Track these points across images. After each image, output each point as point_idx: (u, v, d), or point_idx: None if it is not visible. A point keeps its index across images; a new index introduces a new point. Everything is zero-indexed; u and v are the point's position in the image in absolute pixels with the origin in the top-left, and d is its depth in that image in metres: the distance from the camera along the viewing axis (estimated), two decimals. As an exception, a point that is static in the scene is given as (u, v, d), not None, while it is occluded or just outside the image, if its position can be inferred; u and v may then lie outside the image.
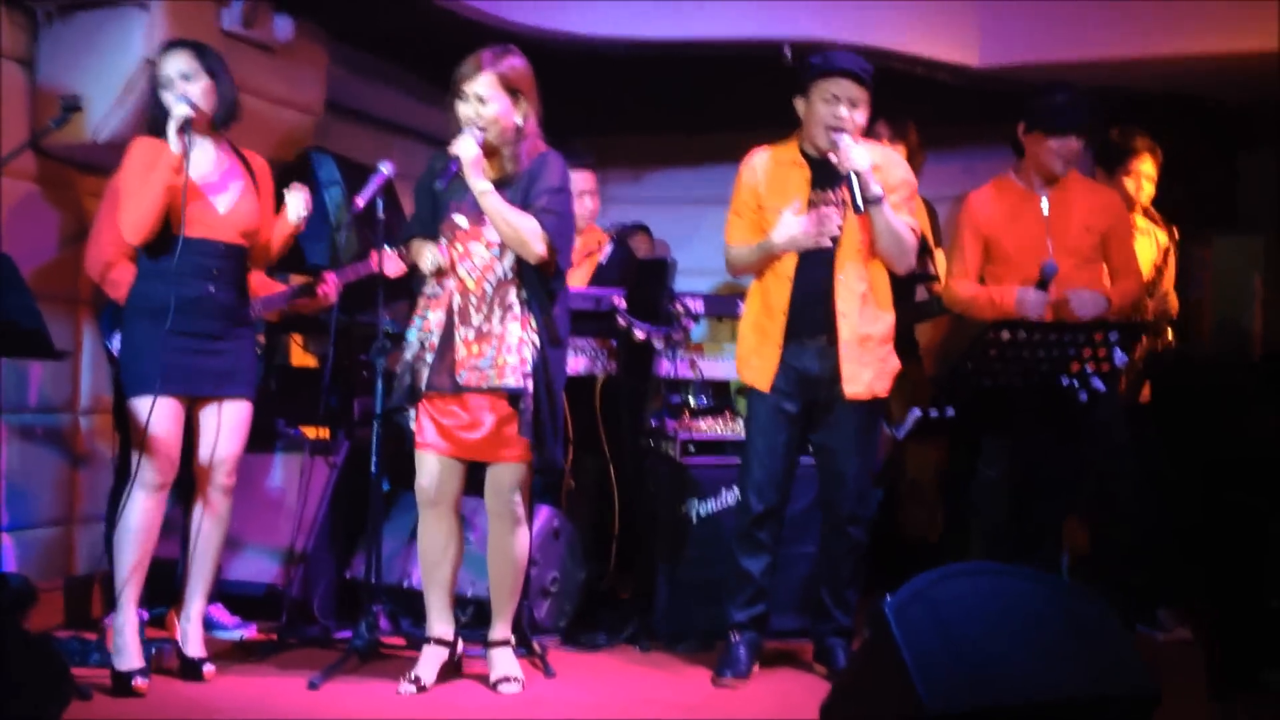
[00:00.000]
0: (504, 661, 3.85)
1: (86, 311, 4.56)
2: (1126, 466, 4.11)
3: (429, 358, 3.75)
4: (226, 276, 3.79)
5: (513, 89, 3.71)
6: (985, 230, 4.23)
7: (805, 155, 3.97)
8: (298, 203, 3.84)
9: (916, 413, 3.28)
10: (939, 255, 5.21)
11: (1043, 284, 3.95)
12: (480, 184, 3.65)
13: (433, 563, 3.87)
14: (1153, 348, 4.73)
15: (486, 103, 3.68)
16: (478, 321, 3.72)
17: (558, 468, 3.91)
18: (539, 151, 3.78)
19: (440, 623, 3.88)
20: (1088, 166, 4.69)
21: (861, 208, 3.74)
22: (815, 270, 3.90)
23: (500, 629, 3.89)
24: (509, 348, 3.69)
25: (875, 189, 3.79)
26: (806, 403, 3.97)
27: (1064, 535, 4.47)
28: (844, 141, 3.78)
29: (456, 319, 3.74)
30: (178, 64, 3.74)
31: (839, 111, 3.82)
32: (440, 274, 3.76)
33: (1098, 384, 3.35)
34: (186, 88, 3.72)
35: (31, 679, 2.85)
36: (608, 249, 5.06)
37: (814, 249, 3.87)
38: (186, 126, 3.64)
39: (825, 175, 3.92)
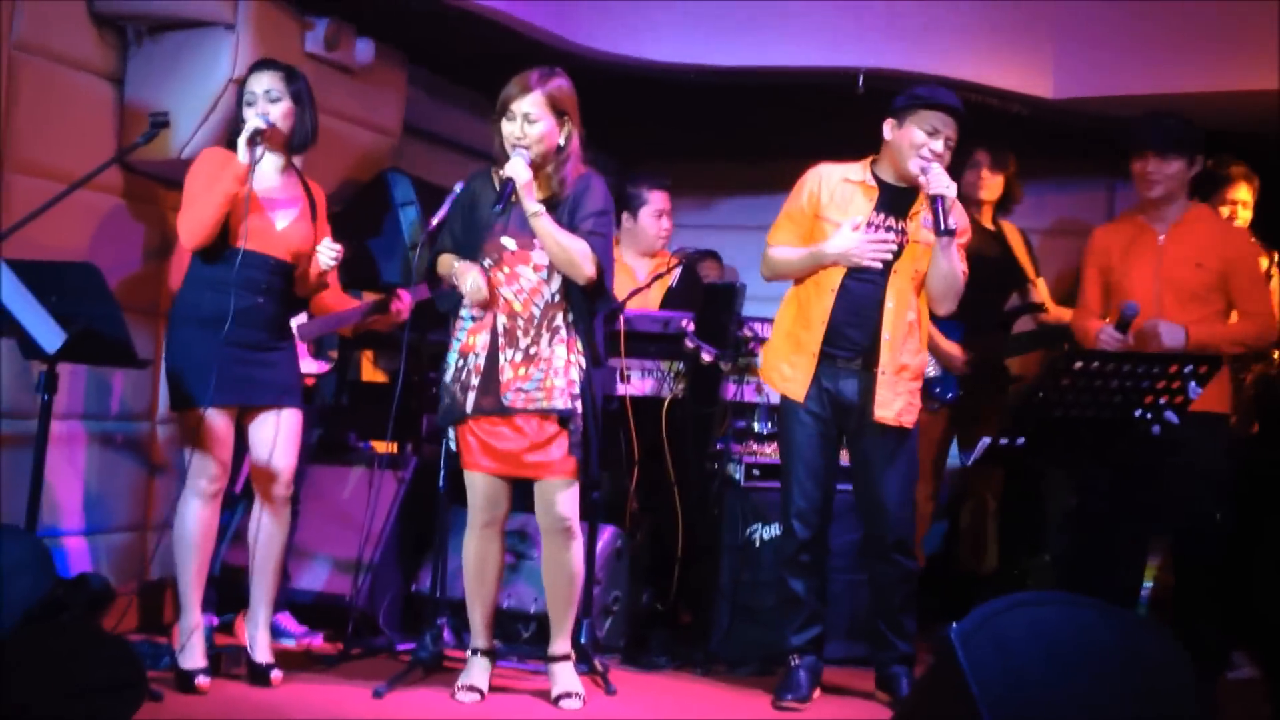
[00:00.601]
0: (565, 677, 3.88)
1: (166, 323, 4.65)
2: (1210, 504, 4.05)
3: (474, 380, 3.78)
4: (275, 291, 3.88)
5: (559, 110, 3.78)
6: (1103, 264, 4.22)
7: (877, 178, 4.01)
8: (327, 253, 3.88)
9: (986, 441, 3.27)
10: (1041, 284, 5.22)
11: (1122, 324, 3.91)
12: (533, 206, 3.71)
13: (479, 579, 3.92)
14: (1265, 376, 4.66)
15: (534, 122, 3.74)
16: (525, 344, 3.77)
17: (595, 480, 3.97)
18: (580, 173, 3.84)
19: (484, 636, 3.94)
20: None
21: (943, 228, 3.78)
22: (861, 290, 3.94)
23: (560, 644, 3.92)
24: (556, 371, 3.74)
25: (954, 221, 3.84)
26: (839, 428, 4.03)
27: (1149, 570, 4.42)
28: (935, 168, 3.83)
29: (502, 341, 3.78)
30: (264, 82, 3.85)
31: (937, 145, 3.88)
32: (480, 302, 3.80)
33: (1171, 417, 3.32)
34: (268, 107, 3.82)
35: (108, 677, 2.93)
36: (678, 273, 5.11)
37: (862, 269, 3.92)
38: (256, 138, 3.73)
39: (893, 201, 3.97)
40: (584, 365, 3.78)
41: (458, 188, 4.07)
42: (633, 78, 5.14)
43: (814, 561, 4.07)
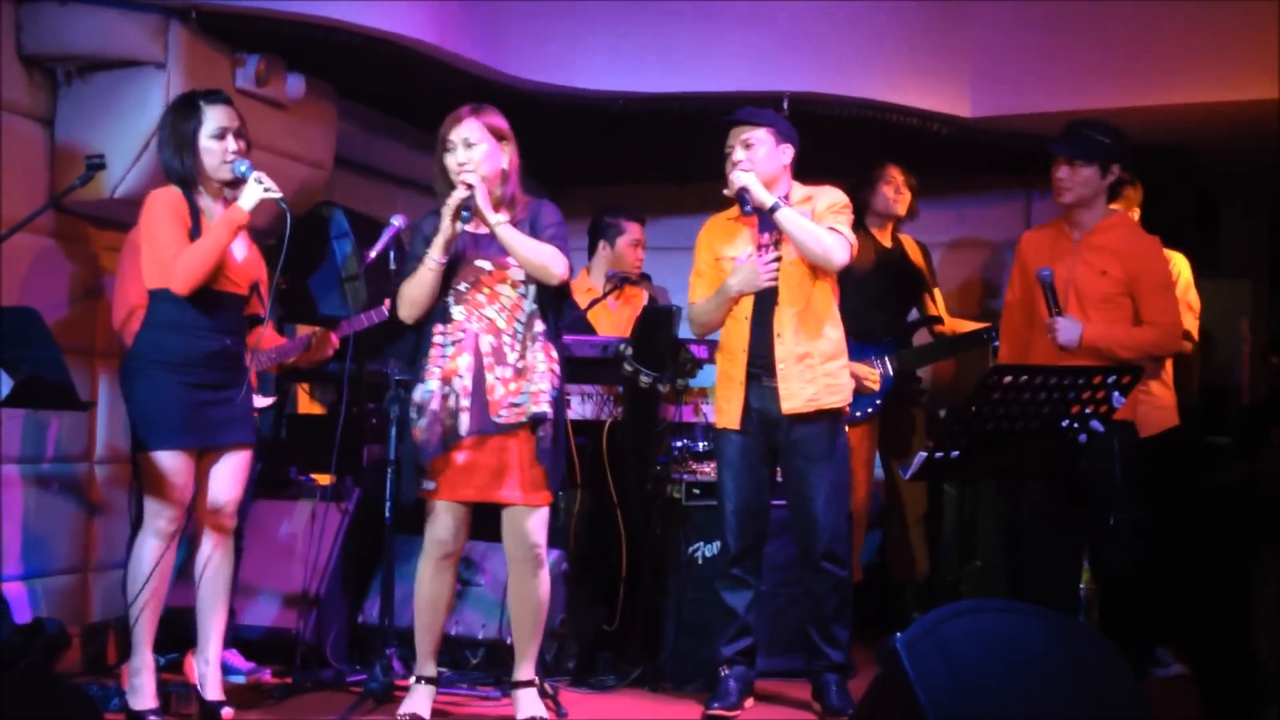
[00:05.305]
0: (530, 702, 3.90)
1: (102, 363, 4.63)
2: (1123, 506, 4.19)
3: (465, 402, 3.77)
4: (237, 327, 3.88)
5: (498, 134, 3.85)
6: (1025, 266, 4.34)
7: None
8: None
9: (923, 455, 3.37)
10: (937, 296, 5.37)
11: (1052, 296, 4.06)
12: (495, 216, 3.77)
13: (434, 609, 3.91)
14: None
15: (474, 145, 3.79)
16: (513, 359, 3.80)
17: (553, 498, 4.01)
18: (529, 199, 3.94)
19: (429, 663, 3.93)
20: None
21: (750, 209, 4.02)
22: (767, 308, 4.11)
23: (525, 670, 3.93)
24: (540, 375, 3.80)
25: (765, 198, 4.03)
26: (770, 444, 4.14)
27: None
28: (733, 174, 4.07)
29: (490, 360, 3.79)
30: (224, 118, 3.81)
31: (732, 159, 4.11)
32: (467, 218, 3.73)
33: (1096, 425, 3.44)
34: (238, 143, 3.82)
35: (66, 723, 2.93)
36: (645, 298, 5.22)
37: (766, 290, 4.09)
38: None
39: (765, 220, 4.13)
40: (558, 372, 3.84)
41: (395, 220, 4.10)
42: (561, 106, 5.20)
43: (746, 574, 4.18)
